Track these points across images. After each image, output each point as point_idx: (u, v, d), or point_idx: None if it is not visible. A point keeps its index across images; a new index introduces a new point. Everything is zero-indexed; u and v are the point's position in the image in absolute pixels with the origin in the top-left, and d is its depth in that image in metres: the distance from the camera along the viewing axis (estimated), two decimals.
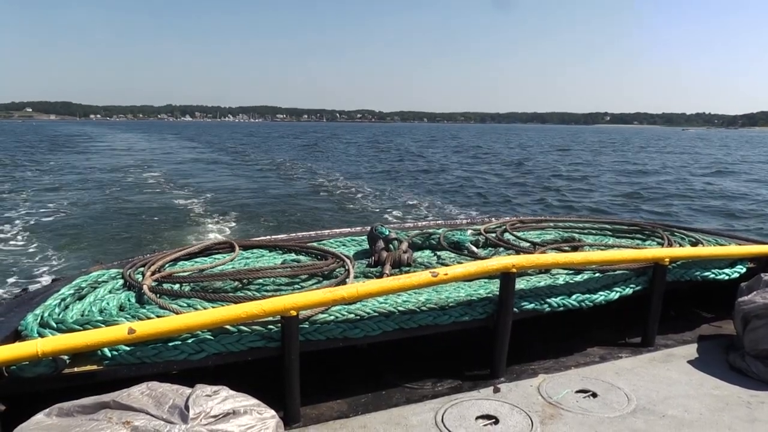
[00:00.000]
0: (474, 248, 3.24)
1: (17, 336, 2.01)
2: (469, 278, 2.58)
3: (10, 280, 8.99)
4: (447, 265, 2.68)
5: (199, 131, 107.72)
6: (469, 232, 3.50)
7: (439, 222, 4.42)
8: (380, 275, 2.70)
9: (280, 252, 3.20)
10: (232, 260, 2.90)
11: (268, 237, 3.62)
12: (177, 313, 2.08)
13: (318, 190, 21.14)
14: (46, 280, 7.85)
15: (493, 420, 2.17)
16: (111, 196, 19.26)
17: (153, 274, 2.51)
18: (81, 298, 2.35)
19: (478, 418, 2.19)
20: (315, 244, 3.29)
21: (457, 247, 3.26)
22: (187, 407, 1.44)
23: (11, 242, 12.02)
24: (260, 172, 28.30)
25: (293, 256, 3.08)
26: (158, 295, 2.28)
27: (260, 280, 2.59)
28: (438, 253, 3.27)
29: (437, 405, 2.30)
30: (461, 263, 2.76)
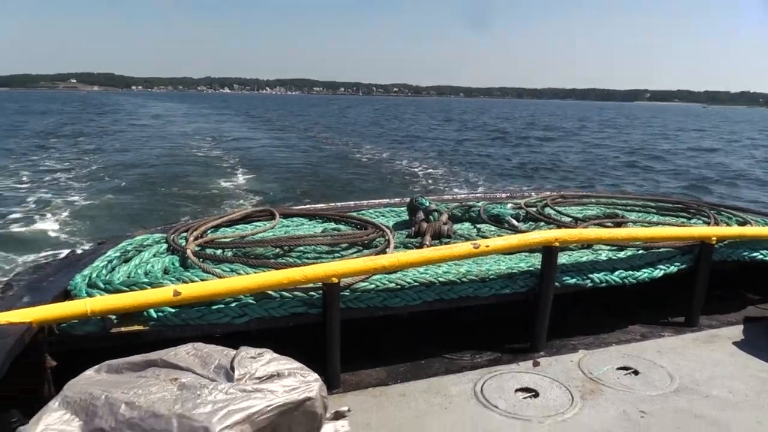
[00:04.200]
0: (514, 222, 3.19)
1: (66, 296, 2.05)
2: (510, 251, 2.55)
3: (58, 242, 9.32)
4: (487, 238, 2.64)
5: (238, 103, 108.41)
6: (510, 205, 3.45)
7: (478, 195, 4.37)
8: (420, 246, 2.69)
9: (320, 221, 3.21)
10: (272, 228, 2.91)
11: (308, 206, 3.61)
12: (220, 278, 2.10)
13: (355, 162, 21.18)
14: (91, 243, 8.09)
15: (533, 393, 2.16)
16: (154, 164, 19.67)
17: (196, 239, 2.55)
18: (127, 260, 2.39)
19: (517, 390, 2.17)
20: (354, 214, 3.29)
21: (497, 221, 3.22)
22: (232, 367, 1.45)
23: (59, 207, 12.38)
24: (297, 143, 28.49)
25: (333, 225, 3.08)
26: (201, 260, 2.31)
27: (301, 248, 2.60)
28: (478, 225, 3.24)
29: (476, 376, 2.29)
30: (501, 236, 2.72)
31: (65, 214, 11.65)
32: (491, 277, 2.42)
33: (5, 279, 2.41)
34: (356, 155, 23.35)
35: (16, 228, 10.51)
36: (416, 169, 19.07)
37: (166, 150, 24.08)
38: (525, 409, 2.06)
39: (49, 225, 10.75)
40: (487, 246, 2.31)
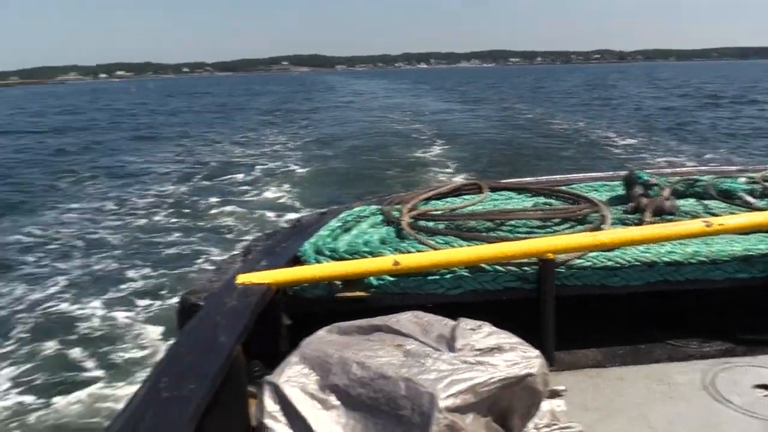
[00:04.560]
0: (750, 198, 2.83)
1: (296, 261, 2.20)
2: (747, 230, 2.28)
3: (283, 208, 10.54)
4: (717, 216, 2.38)
5: (434, 77, 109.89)
6: (742, 179, 3.06)
7: (703, 168, 3.95)
8: (639, 223, 2.50)
9: (529, 195, 3.10)
10: (481, 201, 2.88)
11: (516, 179, 3.52)
12: (435, 249, 2.14)
13: (558, 134, 20.46)
14: (310, 210, 8.82)
15: None
16: (358, 136, 20.92)
17: (409, 211, 2.59)
18: (347, 230, 2.52)
19: (756, 386, 1.94)
20: (564, 188, 3.15)
21: (728, 197, 2.87)
22: (453, 338, 1.48)
23: (281, 176, 13.80)
24: (491, 114, 28.20)
25: (543, 199, 2.96)
26: (416, 232, 2.36)
27: (512, 222, 2.54)
28: (705, 202, 2.92)
29: (706, 366, 2.09)
30: (734, 214, 2.43)
31: (287, 184, 12.91)
32: (724, 258, 2.17)
33: (245, 243, 2.71)
34: (552, 125, 22.53)
35: (248, 196, 12.00)
36: (620, 140, 17.90)
37: (369, 124, 25.38)
38: (766, 409, 1.84)
39: (273, 193, 12.15)
40: (721, 224, 2.09)
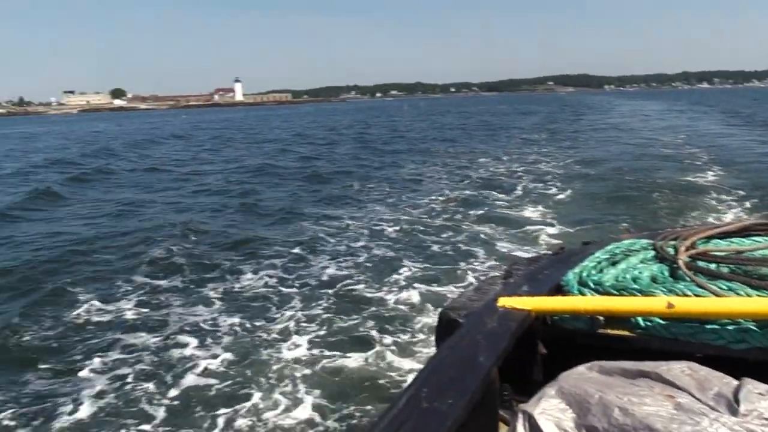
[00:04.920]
0: None
1: (558, 290, 2.17)
2: None
3: (542, 230, 10.31)
4: None
5: (717, 98, 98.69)
6: None
7: None
8: None
9: None
10: None
11: None
12: (717, 295, 1.94)
13: None
14: (566, 231, 9.15)
15: None
16: (625, 161, 19.68)
17: (686, 249, 2.39)
18: (614, 263, 2.39)
19: None
20: None
21: None
22: (736, 400, 1.32)
23: (540, 197, 13.56)
24: None
25: None
26: (694, 273, 2.16)
27: None
28: None
29: None
30: None
31: (547, 205, 12.70)
32: None
33: (504, 266, 2.76)
34: None
35: (508, 214, 12.09)
36: None
37: (636, 147, 23.92)
38: None
39: (533, 213, 12.00)
40: None
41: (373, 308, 6.91)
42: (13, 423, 4.77)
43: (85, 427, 4.74)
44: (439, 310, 2.26)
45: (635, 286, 2.05)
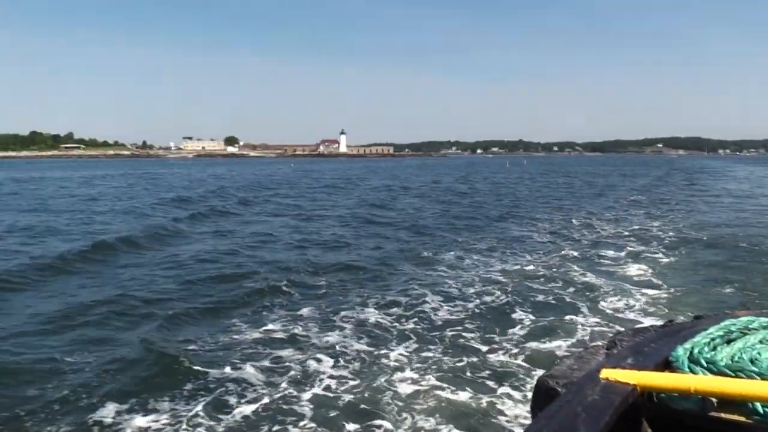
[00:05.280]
0: None
1: (666, 365, 2.06)
2: None
3: (654, 303, 9.90)
4: None
5: None
6: None
7: None
8: None
9: None
10: None
11: None
12: None
13: None
14: (677, 312, 8.75)
15: None
16: (738, 227, 19.20)
17: None
18: (729, 341, 2.24)
19: None
20: None
21: None
22: None
23: (646, 263, 13.35)
24: None
25: None
26: None
27: None
28: None
29: None
30: None
31: (653, 270, 12.43)
32: None
33: (610, 335, 2.84)
34: None
35: (612, 275, 12.03)
36: None
37: (751, 214, 23.10)
38: None
39: (639, 277, 11.79)
40: None
41: (478, 356, 7.33)
42: (195, 416, 5.86)
43: (250, 420, 5.75)
44: (537, 376, 2.21)
45: (753, 368, 1.91)
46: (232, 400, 6.15)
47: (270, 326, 8.59)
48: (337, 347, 7.68)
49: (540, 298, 9.99)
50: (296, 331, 8.35)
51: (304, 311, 9.35)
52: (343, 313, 9.19)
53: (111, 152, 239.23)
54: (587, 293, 10.35)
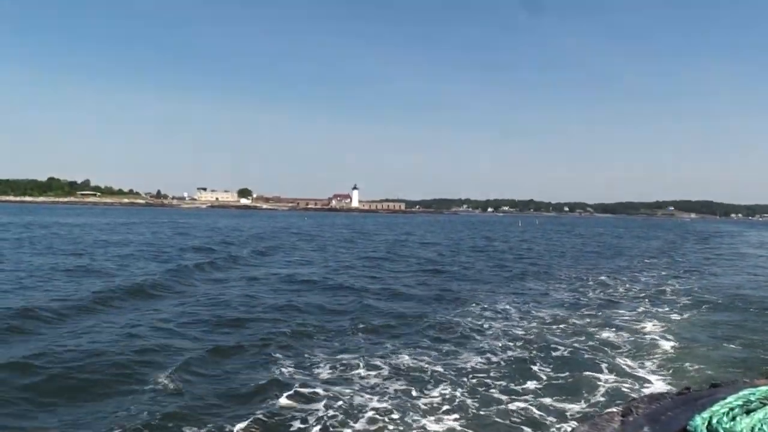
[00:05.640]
0: None
1: None
2: None
3: (666, 365, 9.84)
4: None
5: None
6: None
7: None
8: None
9: None
10: None
11: None
12: None
13: None
14: (692, 378, 8.83)
15: None
16: (753, 289, 19.47)
17: None
18: (748, 411, 2.20)
19: None
20: None
21: None
22: None
23: (661, 322, 13.57)
24: None
25: None
26: None
27: None
28: None
29: None
30: None
31: (668, 330, 12.58)
32: None
33: (622, 403, 2.85)
34: None
35: (628, 330, 12.44)
36: None
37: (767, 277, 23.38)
38: None
39: (653, 337, 11.89)
40: None
41: (500, 405, 7.80)
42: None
43: None
44: None
45: None
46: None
47: (318, 368, 9.28)
48: (378, 387, 8.35)
49: (558, 353, 10.37)
50: (343, 373, 9.05)
51: (345, 356, 9.96)
52: (379, 358, 9.83)
53: (126, 200, 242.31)
54: (604, 349, 10.69)
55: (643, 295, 18.22)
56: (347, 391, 8.10)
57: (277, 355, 9.86)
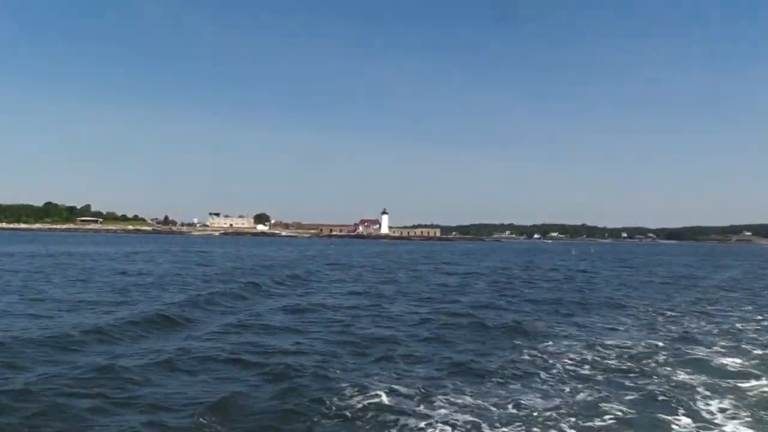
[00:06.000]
0: None
1: None
2: None
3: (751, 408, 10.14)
4: None
5: None
6: None
7: None
8: None
9: None
10: None
11: None
12: None
13: None
14: None
15: None
16: None
17: None
18: None
19: None
20: None
21: None
22: None
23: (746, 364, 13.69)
24: None
25: None
26: None
27: None
28: None
29: None
30: None
31: (751, 370, 12.81)
32: None
33: None
34: None
35: (707, 367, 12.91)
36: None
37: None
38: None
39: (734, 378, 12.12)
40: None
41: None
42: None
43: None
44: None
45: None
46: None
47: (377, 392, 10.43)
48: (440, 423, 9.09)
49: (630, 396, 10.66)
50: (404, 398, 10.24)
51: (403, 390, 10.74)
52: (441, 396, 10.52)
53: (131, 227, 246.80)
54: (678, 391, 10.98)
55: (717, 330, 18.50)
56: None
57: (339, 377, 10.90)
